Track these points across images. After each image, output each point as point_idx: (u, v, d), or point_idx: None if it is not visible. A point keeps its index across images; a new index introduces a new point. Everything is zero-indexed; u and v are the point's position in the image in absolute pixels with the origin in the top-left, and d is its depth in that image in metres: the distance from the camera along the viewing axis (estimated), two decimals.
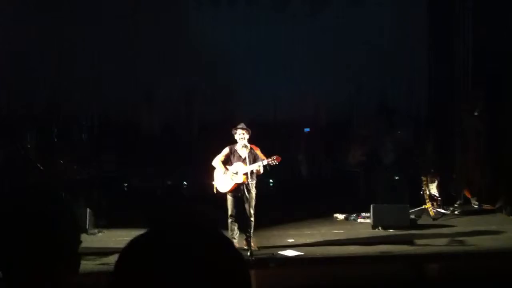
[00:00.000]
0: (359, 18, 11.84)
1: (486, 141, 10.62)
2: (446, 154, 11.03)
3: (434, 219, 9.55)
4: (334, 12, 12.03)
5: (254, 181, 7.39)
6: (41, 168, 9.72)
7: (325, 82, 11.84)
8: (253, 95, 11.68)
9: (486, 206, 10.31)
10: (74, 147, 10.81)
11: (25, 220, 1.45)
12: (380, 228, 8.86)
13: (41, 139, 10.64)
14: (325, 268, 7.04)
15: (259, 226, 7.76)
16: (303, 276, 6.62)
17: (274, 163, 7.30)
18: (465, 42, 11.38)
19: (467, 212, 10.08)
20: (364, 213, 9.61)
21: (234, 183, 7.44)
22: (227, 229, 7.44)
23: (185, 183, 11.66)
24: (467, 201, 10.54)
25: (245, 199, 7.40)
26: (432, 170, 10.17)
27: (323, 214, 9.95)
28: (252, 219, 7.42)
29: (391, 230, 8.76)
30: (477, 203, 10.43)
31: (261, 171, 7.35)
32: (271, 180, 11.40)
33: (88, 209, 8.54)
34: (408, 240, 8.09)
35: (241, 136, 7.41)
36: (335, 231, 8.94)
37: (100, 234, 8.59)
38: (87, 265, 6.32)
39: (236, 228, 7.56)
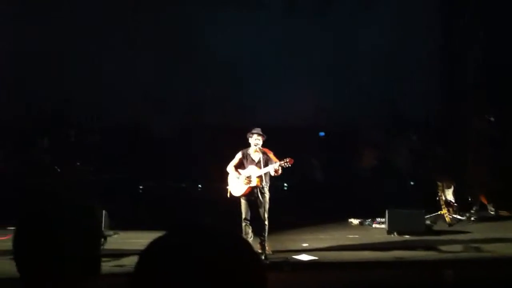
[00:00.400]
0: (370, 25, 11.86)
1: (502, 146, 10.52)
2: (461, 159, 10.94)
3: (450, 225, 9.47)
4: (347, 19, 12.08)
5: (268, 185, 7.40)
6: (58, 170, 9.83)
7: (338, 88, 11.85)
8: (267, 99, 11.72)
9: (503, 213, 10.21)
10: (89, 150, 10.91)
11: (49, 226, 1.48)
12: (395, 233, 8.80)
13: (55, 142, 10.76)
14: (339, 273, 7.00)
15: (273, 229, 7.75)
16: (317, 281, 6.59)
17: (287, 165, 7.26)
18: (479, 48, 11.31)
19: (483, 218, 9.98)
20: (379, 218, 9.56)
21: (248, 187, 7.46)
22: (241, 232, 7.45)
23: (199, 186, 11.70)
24: (483, 207, 10.44)
25: (259, 203, 7.40)
26: (448, 176, 10.09)
27: (338, 218, 9.92)
28: (266, 222, 7.40)
29: (406, 236, 8.70)
30: (493, 209, 10.33)
31: (280, 172, 7.32)
32: (285, 184, 11.39)
33: (103, 211, 8.59)
34: (423, 246, 8.03)
35: (257, 141, 7.44)
36: (349, 236, 8.90)
37: (115, 235, 8.63)
38: (102, 266, 6.34)
39: (250, 231, 7.57)
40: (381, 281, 6.30)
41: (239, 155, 7.64)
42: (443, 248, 8.01)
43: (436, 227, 9.30)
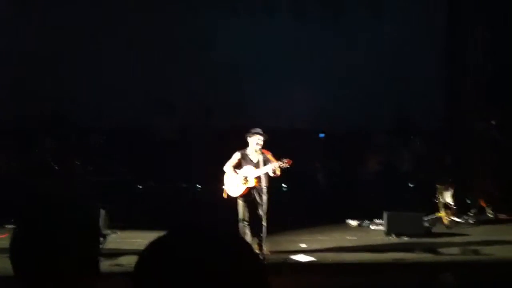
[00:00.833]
0: (377, 30, 11.90)
1: (502, 150, 10.53)
2: (462, 163, 10.95)
3: (448, 227, 9.48)
4: (354, 24, 12.10)
5: (266, 185, 7.32)
6: (56, 168, 9.84)
7: (341, 91, 11.86)
8: (269, 102, 11.72)
9: (501, 216, 10.21)
10: (89, 150, 10.91)
11: (47, 225, 1.49)
12: (393, 235, 8.81)
13: (55, 142, 10.76)
14: (337, 274, 7.01)
15: (271, 230, 7.72)
16: (314, 282, 6.60)
17: (285, 167, 7.20)
18: (482, 53, 11.32)
19: (482, 221, 10.00)
20: (377, 220, 9.56)
21: (245, 188, 7.39)
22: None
23: (198, 186, 11.69)
24: (482, 210, 10.45)
25: (257, 203, 7.34)
26: (450, 180, 10.09)
27: (336, 220, 9.91)
28: (264, 223, 7.33)
29: (404, 238, 8.71)
30: (492, 212, 10.34)
31: (278, 173, 7.27)
32: (284, 185, 11.38)
33: (101, 210, 8.59)
34: (422, 248, 8.02)
35: (259, 141, 7.33)
36: (348, 237, 8.91)
37: (113, 235, 8.62)
38: (102, 266, 6.34)
39: (248, 232, 7.52)
40: (379, 282, 6.31)
41: (237, 155, 7.49)
42: (441, 250, 8.01)
43: (434, 230, 9.30)
